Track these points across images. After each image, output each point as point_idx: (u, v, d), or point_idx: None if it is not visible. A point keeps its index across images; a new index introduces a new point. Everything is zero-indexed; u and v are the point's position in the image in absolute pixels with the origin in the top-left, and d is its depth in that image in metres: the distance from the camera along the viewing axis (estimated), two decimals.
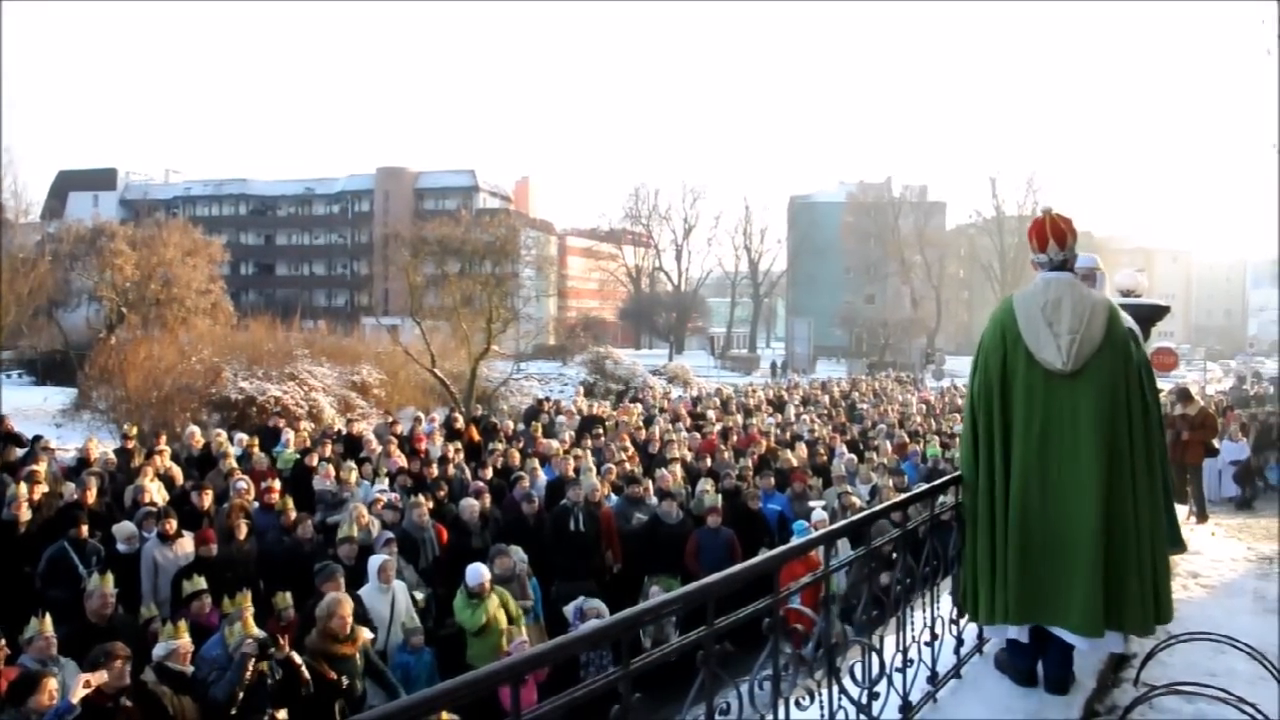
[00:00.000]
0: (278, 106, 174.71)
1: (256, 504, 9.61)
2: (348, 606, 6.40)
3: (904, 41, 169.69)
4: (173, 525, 8.38)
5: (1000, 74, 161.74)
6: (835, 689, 3.05)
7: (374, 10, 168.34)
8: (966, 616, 3.87)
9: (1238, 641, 4.31)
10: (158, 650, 5.81)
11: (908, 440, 15.85)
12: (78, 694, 4.81)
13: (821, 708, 3.00)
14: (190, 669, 5.84)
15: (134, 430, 13.15)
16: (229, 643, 5.90)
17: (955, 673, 3.88)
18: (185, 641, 5.88)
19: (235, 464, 11.17)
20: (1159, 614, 3.65)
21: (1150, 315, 7.02)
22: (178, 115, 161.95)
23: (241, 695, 5.68)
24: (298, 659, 5.99)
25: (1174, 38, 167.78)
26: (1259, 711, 3.38)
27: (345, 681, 6.20)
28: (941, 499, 4.17)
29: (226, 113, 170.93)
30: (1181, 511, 8.47)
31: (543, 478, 11.42)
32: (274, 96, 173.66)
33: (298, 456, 12.06)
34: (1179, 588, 6.49)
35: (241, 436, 13.42)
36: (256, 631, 5.91)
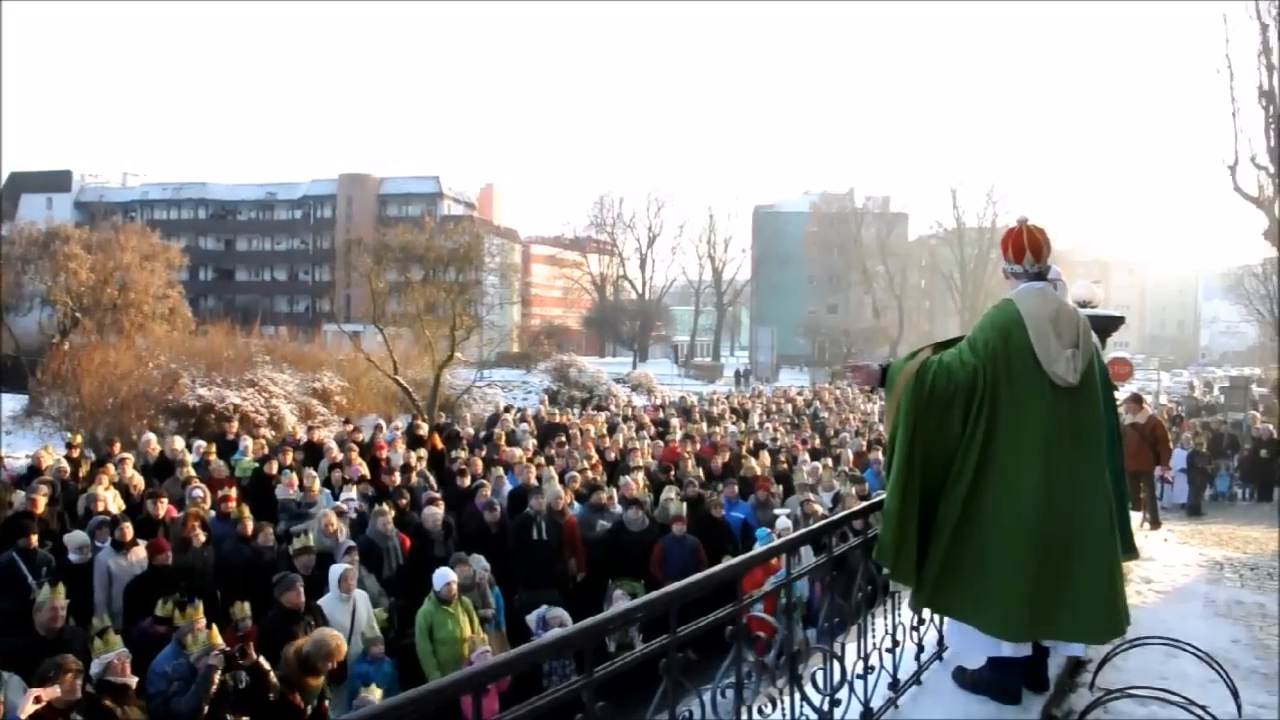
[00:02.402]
0: (239, 110, 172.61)
1: (213, 512, 9.47)
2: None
3: (868, 54, 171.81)
4: (127, 534, 8.22)
5: (962, 86, 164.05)
6: (797, 696, 3.07)
7: (338, 15, 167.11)
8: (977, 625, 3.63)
9: (1189, 645, 4.40)
10: (95, 666, 5.63)
11: (868, 448, 15.97)
12: (26, 709, 4.70)
13: (784, 715, 3.02)
14: (132, 679, 5.71)
15: (78, 439, 12.91)
16: (190, 653, 5.78)
17: (916, 679, 3.91)
18: (121, 652, 5.74)
19: (192, 472, 11.00)
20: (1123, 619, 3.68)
21: (1106, 326, 7.14)
22: (136, 117, 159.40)
23: (207, 708, 5.57)
24: (265, 664, 5.89)
25: (1131, 55, 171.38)
26: (1209, 714, 3.45)
27: (309, 709, 6.14)
28: None
29: (186, 115, 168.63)
30: (1134, 518, 8.62)
31: (506, 486, 11.37)
32: (235, 100, 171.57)
33: (256, 465, 11.89)
34: (1133, 593, 6.62)
35: (199, 444, 13.22)
36: (221, 642, 5.79)
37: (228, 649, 5.81)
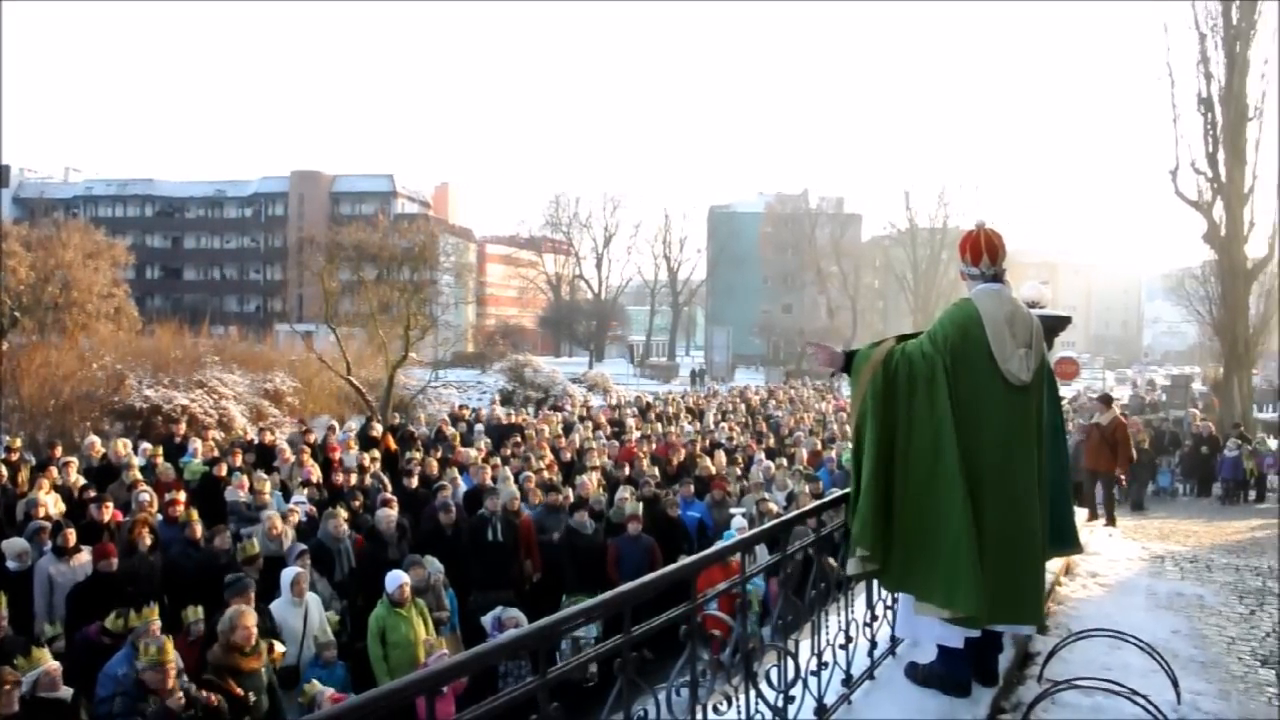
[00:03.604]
0: (187, 105, 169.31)
1: (160, 516, 9.27)
2: (251, 618, 6.20)
3: (822, 58, 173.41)
4: (70, 539, 8.02)
5: (913, 90, 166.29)
6: (752, 693, 3.09)
7: (290, 10, 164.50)
8: (943, 608, 3.66)
9: (1132, 637, 4.52)
10: (24, 684, 5.42)
11: (822, 447, 16.12)
12: None
13: (739, 712, 3.03)
14: (66, 692, 5.56)
15: (17, 442, 12.55)
16: (140, 663, 5.64)
17: (869, 674, 3.95)
18: (50, 666, 5.58)
19: (139, 475, 10.77)
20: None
21: (1054, 326, 7.29)
22: (79, 112, 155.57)
23: None
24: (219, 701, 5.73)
25: (1076, 62, 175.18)
26: (1150, 703, 3.54)
27: (251, 698, 6.00)
28: None
29: (132, 110, 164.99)
30: (1080, 514, 8.82)
31: (462, 486, 11.29)
32: (184, 95, 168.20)
33: (205, 467, 11.67)
34: (1079, 586, 6.77)
35: (146, 446, 12.94)
36: (174, 658, 5.62)
37: (188, 687, 5.61)
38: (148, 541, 8.29)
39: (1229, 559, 8.71)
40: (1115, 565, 7.82)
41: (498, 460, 12.91)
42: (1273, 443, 20.08)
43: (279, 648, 6.71)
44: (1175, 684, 4.29)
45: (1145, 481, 17.92)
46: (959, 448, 3.55)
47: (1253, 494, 18.97)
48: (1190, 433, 20.78)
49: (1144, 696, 3.60)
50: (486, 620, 7.82)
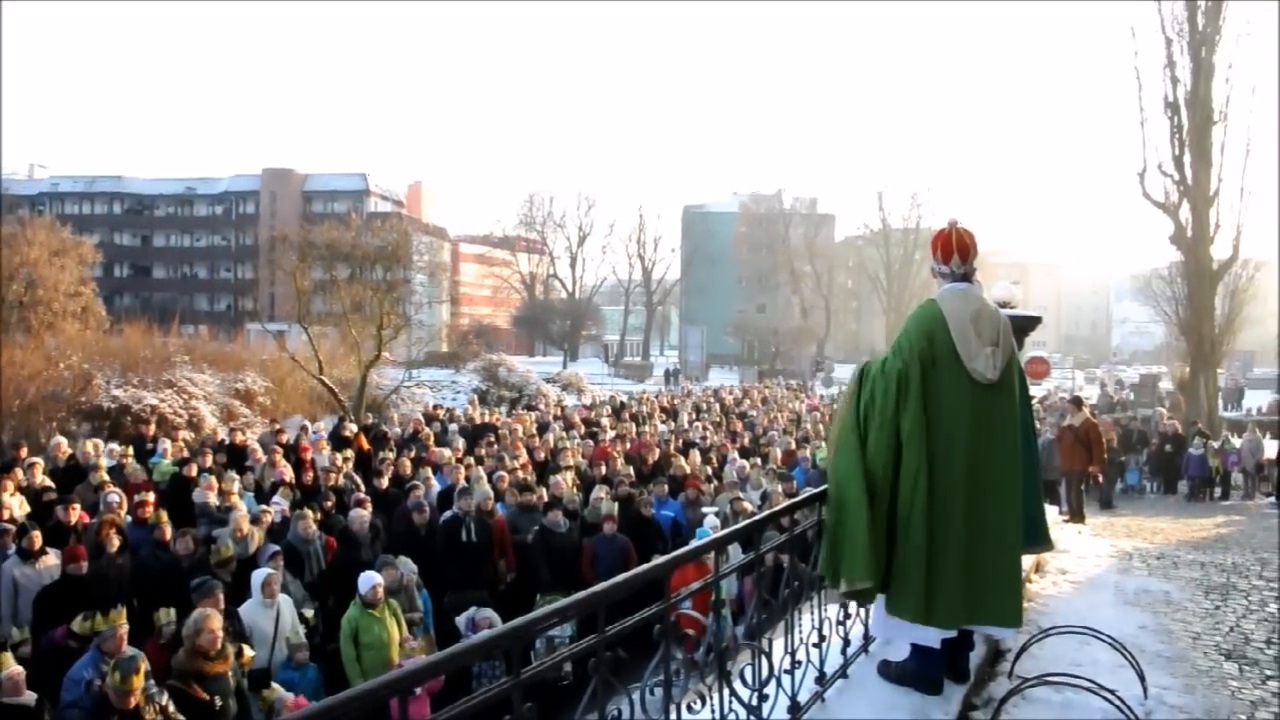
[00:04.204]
0: (157, 102, 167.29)
1: (129, 518, 9.15)
2: (217, 622, 6.12)
3: (796, 58, 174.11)
4: (36, 542, 7.90)
5: (887, 91, 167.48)
6: (726, 692, 3.09)
7: (262, 7, 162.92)
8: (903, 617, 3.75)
9: (1100, 633, 4.58)
10: None
11: (796, 446, 16.19)
12: None
13: (713, 711, 3.04)
14: (30, 697, 5.46)
15: None
16: (108, 681, 5.54)
17: (842, 672, 3.97)
18: (13, 670, 5.49)
19: (106, 476, 10.62)
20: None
21: (1024, 326, 7.37)
22: (45, 107, 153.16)
23: None
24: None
25: (1047, 66, 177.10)
26: (1117, 697, 3.59)
27: (217, 702, 5.94)
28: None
29: (100, 106, 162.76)
30: (1050, 512, 8.91)
31: (436, 486, 11.23)
32: (153, 90, 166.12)
33: (175, 468, 11.54)
34: (1049, 584, 6.85)
35: (114, 447, 12.77)
36: (142, 685, 5.50)
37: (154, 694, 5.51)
38: (116, 543, 8.18)
39: (1194, 555, 8.84)
40: (1084, 562, 7.92)
41: (471, 460, 12.86)
42: (1237, 441, 20.40)
43: (248, 652, 6.64)
44: (1142, 679, 4.36)
45: (1113, 479, 18.17)
46: (926, 454, 3.58)
47: (1218, 491, 19.30)
48: (1157, 431, 21.09)
49: (1112, 691, 3.65)
50: (460, 621, 7.79)
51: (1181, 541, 10.59)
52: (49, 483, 10.51)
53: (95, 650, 5.91)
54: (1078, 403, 14.19)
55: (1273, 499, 16.65)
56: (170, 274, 73.91)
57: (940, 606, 3.56)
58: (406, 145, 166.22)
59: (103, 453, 12.22)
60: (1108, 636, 4.54)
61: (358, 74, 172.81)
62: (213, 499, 10.13)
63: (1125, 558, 8.45)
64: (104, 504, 9.43)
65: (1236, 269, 27.41)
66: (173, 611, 6.64)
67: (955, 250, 3.84)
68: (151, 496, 9.63)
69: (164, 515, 8.84)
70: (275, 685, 6.48)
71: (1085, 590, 6.88)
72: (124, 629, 5.98)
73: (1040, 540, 4.27)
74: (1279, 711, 4.50)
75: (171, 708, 5.52)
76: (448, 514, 9.76)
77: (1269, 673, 5.07)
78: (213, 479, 10.62)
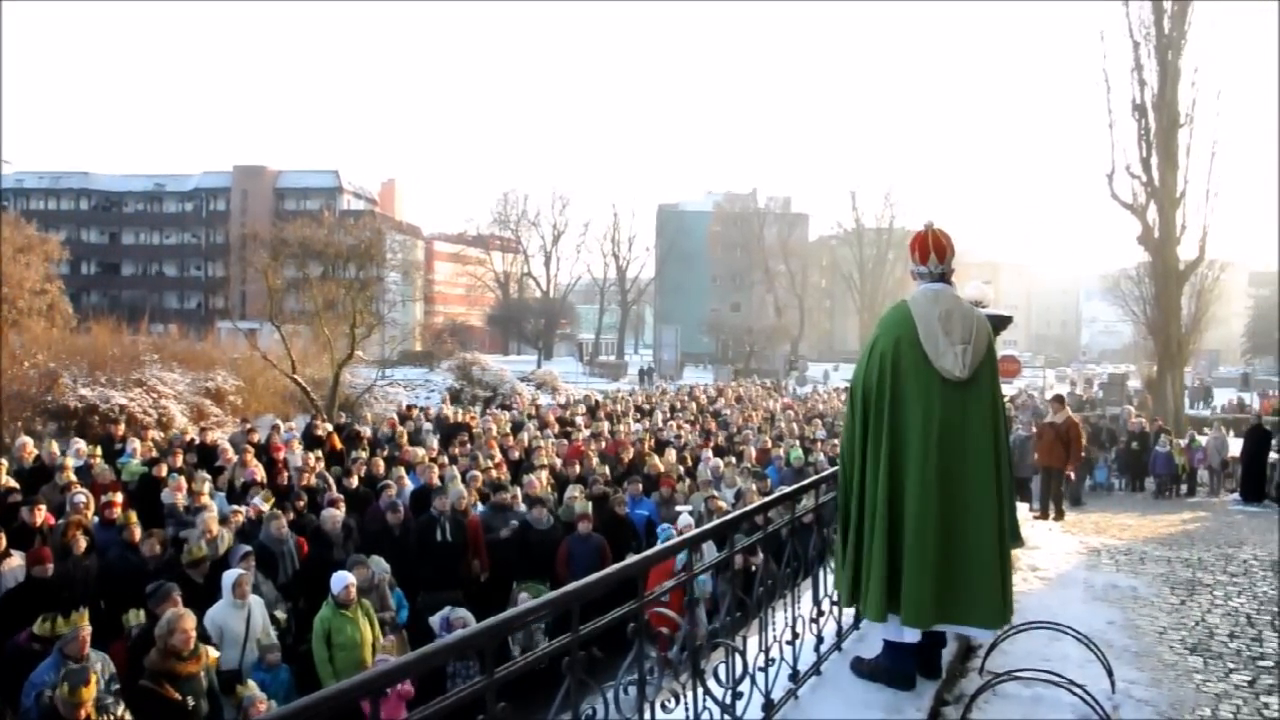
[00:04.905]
0: (126, 96, 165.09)
1: (97, 519, 9.02)
2: (190, 621, 6.06)
3: (771, 58, 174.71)
4: (0, 544, 7.77)
5: (861, 92, 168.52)
6: (700, 690, 3.10)
7: (233, 3, 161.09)
8: (864, 616, 3.87)
9: (1070, 629, 4.64)
10: None
11: (770, 445, 16.25)
12: None
13: (687, 709, 3.04)
14: None
15: None
16: (58, 693, 5.45)
17: (816, 670, 4.00)
18: None
19: (73, 476, 10.46)
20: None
21: (996, 325, 7.45)
22: (9, 101, 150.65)
23: None
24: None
25: (1019, 69, 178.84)
26: (1086, 692, 3.64)
27: (190, 702, 5.87)
28: (803, 502, 4.32)
29: (67, 101, 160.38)
30: (1021, 509, 9.02)
31: (409, 486, 11.17)
32: (122, 86, 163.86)
33: (145, 468, 11.38)
34: (1020, 580, 6.92)
35: (81, 446, 12.58)
36: (94, 696, 5.42)
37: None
38: (82, 545, 8.06)
39: (1161, 551, 8.97)
40: (1055, 559, 8.01)
41: (445, 459, 12.80)
42: (1202, 439, 20.72)
43: (212, 653, 6.58)
44: (1110, 673, 4.42)
45: (1083, 477, 18.39)
46: (896, 454, 3.64)
47: (1184, 488, 19.59)
48: (1125, 429, 21.37)
49: (1081, 686, 3.70)
50: (435, 620, 7.75)
51: (1149, 538, 10.74)
52: (14, 484, 10.34)
53: (57, 654, 5.82)
54: (1060, 401, 14.39)
55: (1237, 496, 16.92)
56: (139, 271, 72.95)
57: (908, 606, 3.58)
58: (380, 143, 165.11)
59: (70, 453, 12.05)
60: (1077, 632, 4.60)
61: (331, 70, 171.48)
62: (180, 499, 10.00)
63: (1094, 554, 8.56)
64: (70, 505, 9.29)
65: (1202, 269, 27.85)
66: (141, 613, 6.56)
67: (931, 251, 3.89)
68: (120, 497, 9.50)
69: (133, 516, 8.72)
70: (250, 683, 6.41)
71: (1055, 586, 6.96)
72: (86, 631, 5.90)
73: (1012, 537, 4.32)
74: (1242, 704, 4.57)
75: (128, 718, 5.45)
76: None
77: (1232, 666, 5.16)
78: (181, 479, 10.49)
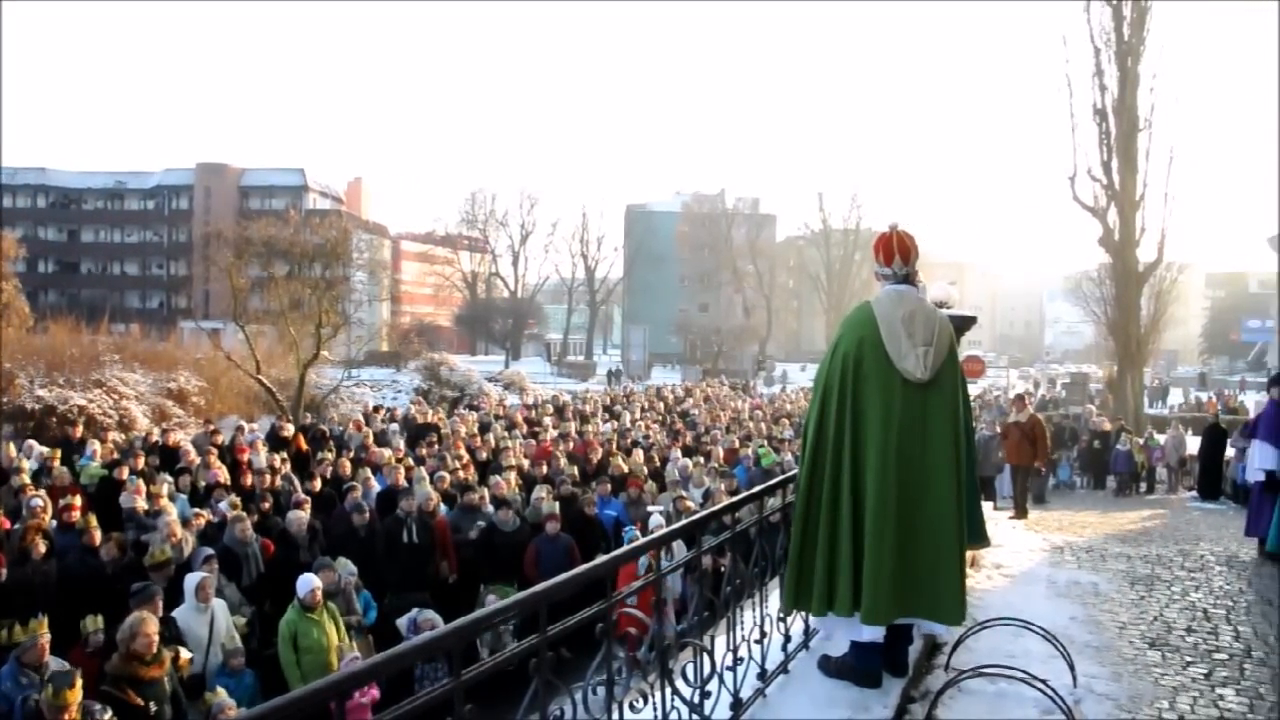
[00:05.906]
0: (86, 92, 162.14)
1: (55, 522, 8.86)
2: (153, 626, 5.98)
3: (738, 59, 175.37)
4: None
5: (828, 94, 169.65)
6: (668, 690, 3.11)
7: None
8: (813, 613, 3.93)
9: (1033, 625, 4.71)
10: None
11: (739, 445, 16.31)
12: None
13: (655, 709, 3.05)
14: None
15: None
16: (43, 696, 5.35)
17: (783, 668, 4.02)
18: None
19: (28, 479, 10.26)
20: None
21: (961, 325, 7.52)
22: None
23: None
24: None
25: (982, 73, 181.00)
26: (1049, 687, 3.70)
27: (153, 708, 5.78)
28: (771, 501, 4.34)
29: (23, 96, 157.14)
30: (986, 507, 9.11)
31: (376, 487, 11.08)
32: (82, 81, 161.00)
33: (105, 471, 11.19)
34: (984, 577, 7.00)
35: (40, 449, 12.34)
36: (78, 699, 5.33)
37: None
38: (41, 549, 7.90)
39: (1121, 548, 9.10)
40: (1018, 556, 8.11)
41: (411, 460, 12.71)
42: (1161, 438, 21.09)
43: (184, 654, 6.49)
44: (1072, 668, 4.49)
45: (1046, 476, 18.64)
46: (856, 454, 3.68)
47: (1144, 486, 19.93)
48: (1087, 428, 21.69)
49: (1044, 681, 3.75)
50: (402, 622, 7.70)
51: (1109, 535, 10.91)
52: None
53: (14, 662, 5.71)
54: (1022, 400, 14.60)
55: (1194, 493, 17.24)
56: (99, 270, 71.70)
57: (866, 604, 3.62)
58: (346, 141, 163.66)
59: (27, 455, 11.82)
60: (1040, 628, 4.67)
61: (297, 68, 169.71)
62: (140, 503, 9.84)
63: (1057, 551, 8.67)
64: (27, 508, 9.11)
65: (1161, 271, 28.31)
66: (100, 619, 6.45)
67: (896, 252, 3.91)
68: (79, 500, 9.33)
69: (93, 519, 8.58)
70: (219, 689, 6.33)
71: (1019, 583, 7.05)
72: (45, 639, 5.80)
73: (977, 537, 4.37)
74: (1198, 696, 4.66)
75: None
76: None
77: (1189, 660, 5.25)
78: (140, 482, 10.32)
